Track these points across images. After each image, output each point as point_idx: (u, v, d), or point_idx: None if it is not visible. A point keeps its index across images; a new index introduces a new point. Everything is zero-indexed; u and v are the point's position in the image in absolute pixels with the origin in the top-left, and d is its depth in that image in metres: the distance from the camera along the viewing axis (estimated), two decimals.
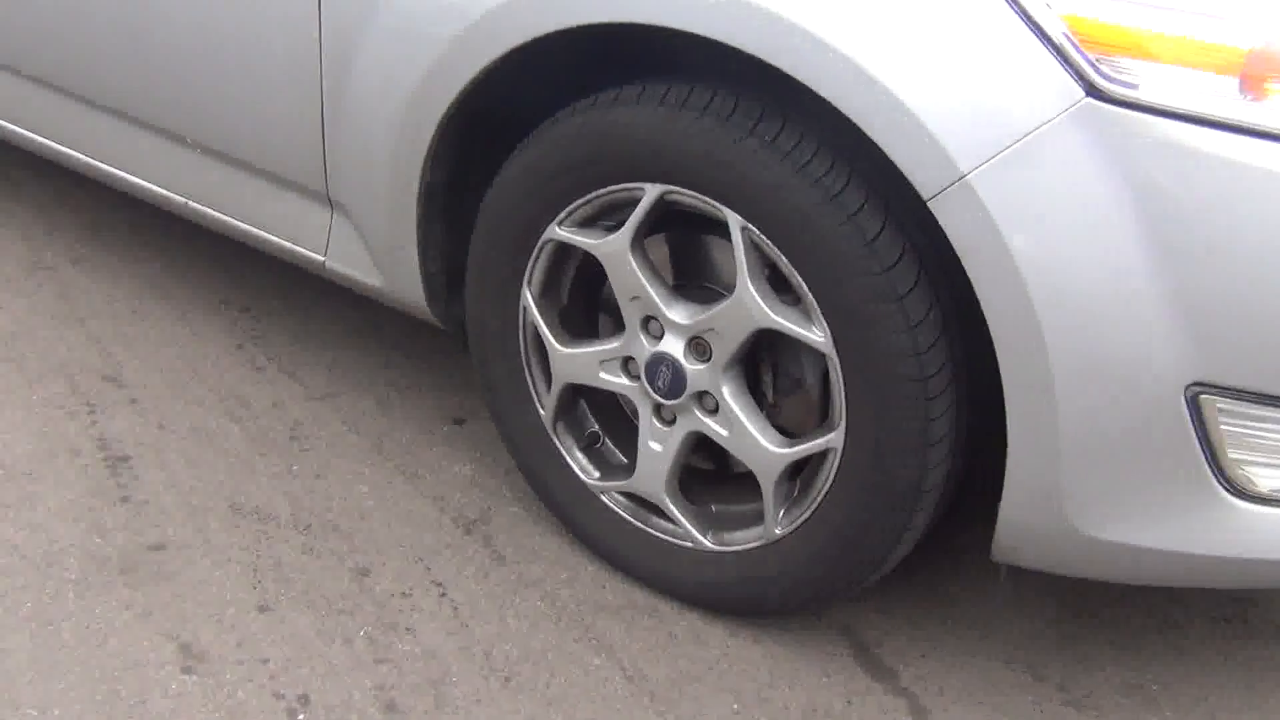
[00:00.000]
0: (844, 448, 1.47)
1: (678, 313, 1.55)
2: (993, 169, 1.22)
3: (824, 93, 1.29)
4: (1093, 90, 1.19)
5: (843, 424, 1.46)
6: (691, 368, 1.56)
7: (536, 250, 1.65)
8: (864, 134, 1.30)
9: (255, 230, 2.04)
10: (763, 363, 1.58)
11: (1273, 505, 1.31)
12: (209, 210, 2.10)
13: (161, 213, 2.33)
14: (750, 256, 1.46)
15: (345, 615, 1.66)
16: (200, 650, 1.58)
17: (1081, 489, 1.33)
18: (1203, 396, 1.25)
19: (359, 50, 1.69)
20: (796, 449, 1.51)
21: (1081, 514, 1.35)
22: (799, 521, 1.55)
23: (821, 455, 1.51)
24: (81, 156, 2.26)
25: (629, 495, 1.73)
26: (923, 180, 1.26)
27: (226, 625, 1.63)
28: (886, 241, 1.36)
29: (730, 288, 1.59)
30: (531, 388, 1.75)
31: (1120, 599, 1.77)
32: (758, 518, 1.63)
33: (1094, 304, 1.23)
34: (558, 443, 1.76)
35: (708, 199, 1.46)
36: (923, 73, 1.24)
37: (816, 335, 1.43)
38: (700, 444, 1.64)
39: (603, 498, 1.74)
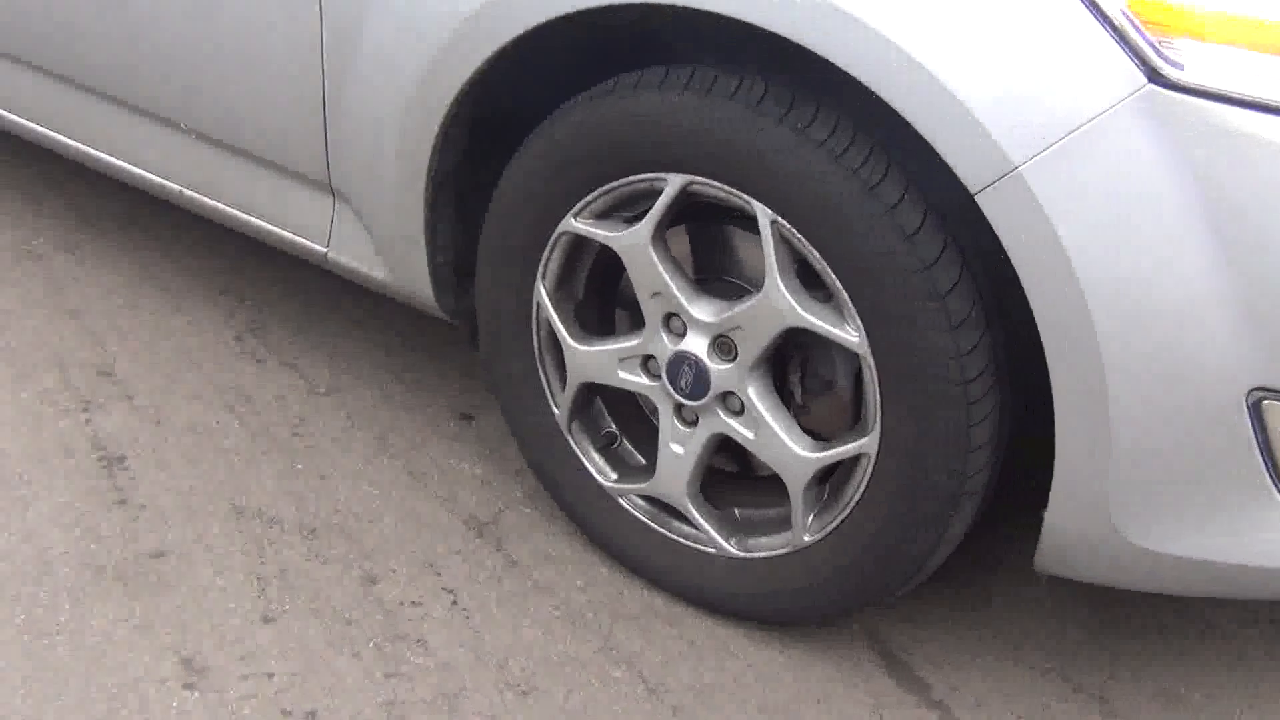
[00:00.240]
0: (878, 453, 1.39)
1: (701, 310, 1.48)
2: (1046, 161, 1.14)
3: (865, 79, 1.21)
4: (1155, 76, 1.12)
5: (877, 428, 1.38)
6: (716, 367, 1.49)
7: (551, 243, 1.57)
8: (904, 123, 1.23)
9: (253, 220, 1.96)
10: (791, 362, 1.51)
11: None
12: (205, 199, 2.01)
13: (156, 198, 2.25)
14: (780, 251, 1.38)
15: (353, 625, 1.59)
16: (202, 664, 1.51)
17: (1132, 498, 1.26)
18: (1266, 402, 1.18)
19: (364, 30, 1.61)
20: (827, 454, 1.44)
21: (1131, 524, 1.28)
22: (829, 529, 1.48)
23: (853, 460, 1.44)
24: (72, 143, 2.17)
25: (648, 498, 1.65)
26: (970, 173, 1.18)
27: (230, 637, 1.56)
28: (927, 236, 1.28)
29: (756, 283, 1.52)
30: (545, 386, 1.68)
31: (1158, 603, 1.70)
32: (784, 523, 1.56)
33: (1152, 304, 1.16)
34: (573, 443, 1.68)
35: (735, 191, 1.38)
36: (971, 58, 1.16)
37: (850, 335, 1.36)
38: (723, 445, 1.57)
39: (620, 500, 1.67)
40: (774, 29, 1.25)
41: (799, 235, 1.35)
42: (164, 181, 2.05)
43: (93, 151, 2.15)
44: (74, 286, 2.32)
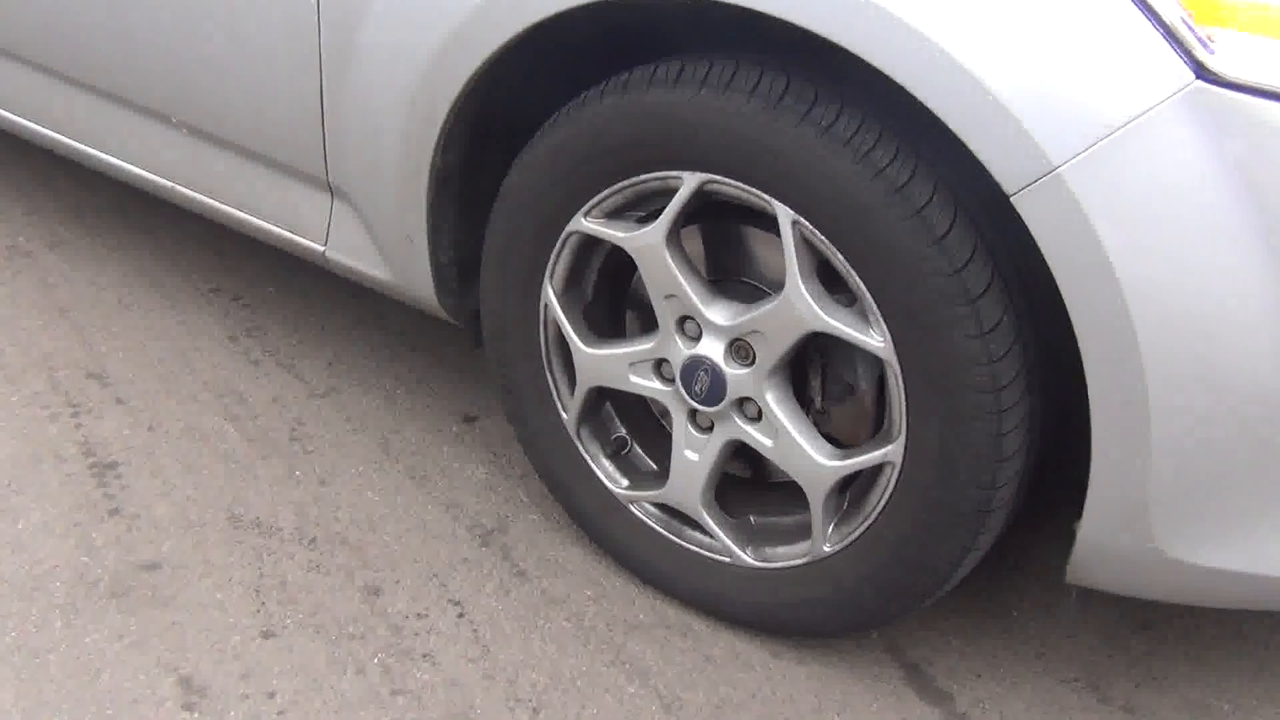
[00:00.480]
0: (904, 462, 1.34)
1: (717, 313, 1.42)
2: (1087, 161, 1.09)
3: (895, 75, 1.15)
4: (1203, 72, 1.06)
5: (902, 436, 1.33)
6: (732, 372, 1.43)
7: (560, 242, 1.52)
8: (932, 120, 1.17)
9: (248, 217, 1.89)
10: (811, 366, 1.45)
11: None
12: (198, 195, 1.95)
13: (146, 193, 2.18)
14: (801, 253, 1.32)
15: (357, 641, 1.53)
16: (201, 684, 1.46)
17: (1173, 510, 1.21)
18: None
19: (363, 21, 1.54)
20: (850, 462, 1.39)
21: (1171, 536, 1.23)
22: (850, 539, 1.43)
23: (876, 468, 1.38)
24: (60, 137, 2.11)
25: (661, 506, 1.60)
26: (1006, 173, 1.13)
27: (229, 654, 1.50)
28: (957, 238, 1.23)
29: (773, 284, 1.47)
30: (553, 390, 1.62)
31: (1182, 610, 1.66)
32: (802, 532, 1.51)
33: (1198, 308, 1.10)
34: (582, 449, 1.63)
35: (754, 190, 1.32)
36: (1009, 53, 1.10)
37: (875, 340, 1.30)
38: (738, 451, 1.52)
39: (631, 508, 1.62)
40: (799, 22, 1.19)
41: (821, 236, 1.29)
42: (155, 177, 1.99)
43: (81, 146, 2.08)
44: (63, 284, 2.26)
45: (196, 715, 1.42)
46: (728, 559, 1.55)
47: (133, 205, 2.54)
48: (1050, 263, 1.14)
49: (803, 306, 1.33)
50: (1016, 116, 1.10)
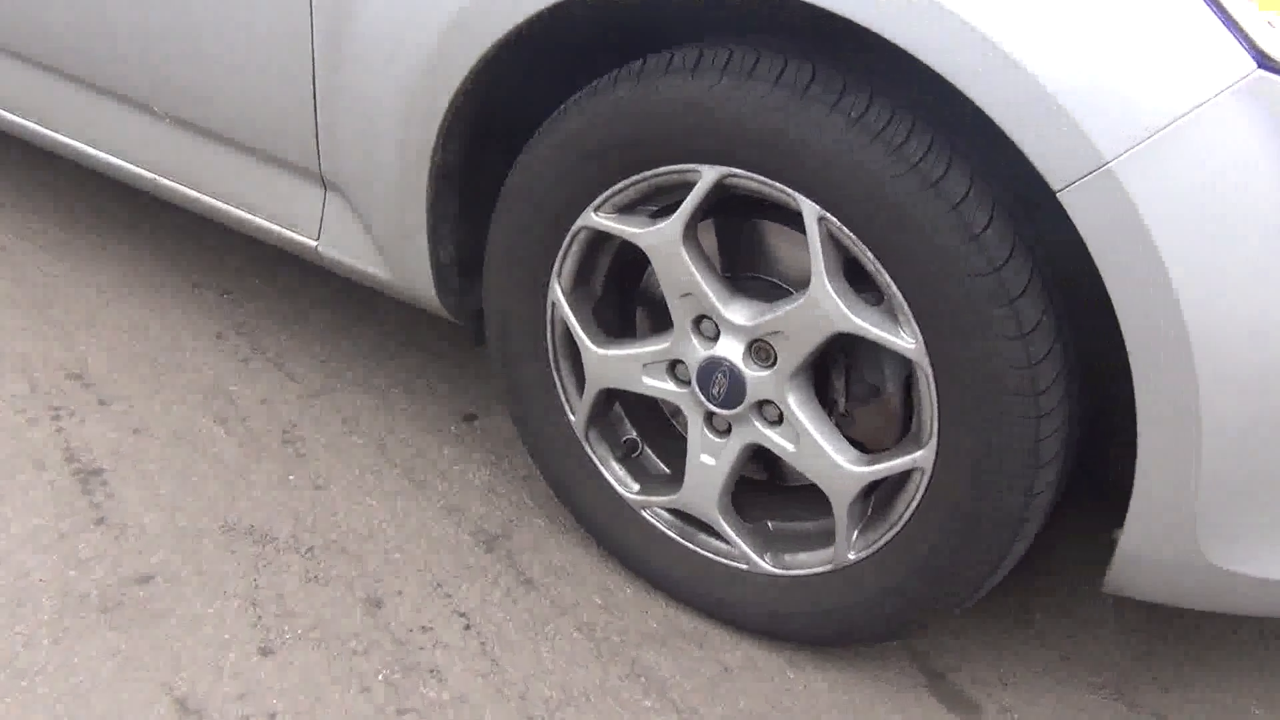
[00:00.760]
0: (935, 467, 1.29)
1: (737, 313, 1.36)
2: (1140, 155, 1.03)
3: (934, 64, 1.09)
4: (1266, 61, 1.00)
5: (933, 441, 1.28)
6: (752, 374, 1.37)
7: (569, 239, 1.45)
8: (968, 110, 1.11)
9: (235, 211, 1.81)
10: (834, 367, 1.39)
11: None
12: (181, 188, 1.86)
13: (124, 185, 2.10)
14: (827, 250, 1.26)
15: (360, 656, 1.47)
16: (198, 704, 1.39)
17: (1221, 520, 1.16)
18: None
19: (359, 7, 1.46)
20: (877, 468, 1.33)
21: (1218, 546, 1.18)
22: (876, 546, 1.37)
23: (904, 474, 1.33)
24: (35, 127, 2.02)
25: (674, 511, 1.54)
26: (1054, 168, 1.07)
27: (227, 672, 1.43)
28: (995, 235, 1.17)
29: (793, 282, 1.41)
30: (560, 392, 1.56)
31: (1209, 614, 1.61)
32: (823, 538, 1.45)
33: (1255, 312, 1.05)
34: (591, 453, 1.57)
35: (777, 184, 1.26)
36: (1056, 41, 1.04)
37: (905, 341, 1.25)
38: (754, 453, 1.46)
39: (643, 513, 1.56)
40: (829, 7, 1.13)
41: (849, 233, 1.23)
42: (136, 169, 1.90)
43: (58, 137, 1.99)
44: (39, 280, 2.17)
45: None
46: (744, 566, 1.49)
47: (109, 198, 2.45)
48: (1098, 262, 1.08)
49: (829, 306, 1.27)
50: (1066, 108, 1.04)
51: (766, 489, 1.55)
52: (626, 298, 1.56)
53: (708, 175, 1.30)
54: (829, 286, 1.27)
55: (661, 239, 1.36)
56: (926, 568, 1.34)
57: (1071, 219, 1.08)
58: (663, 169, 1.34)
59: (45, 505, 1.66)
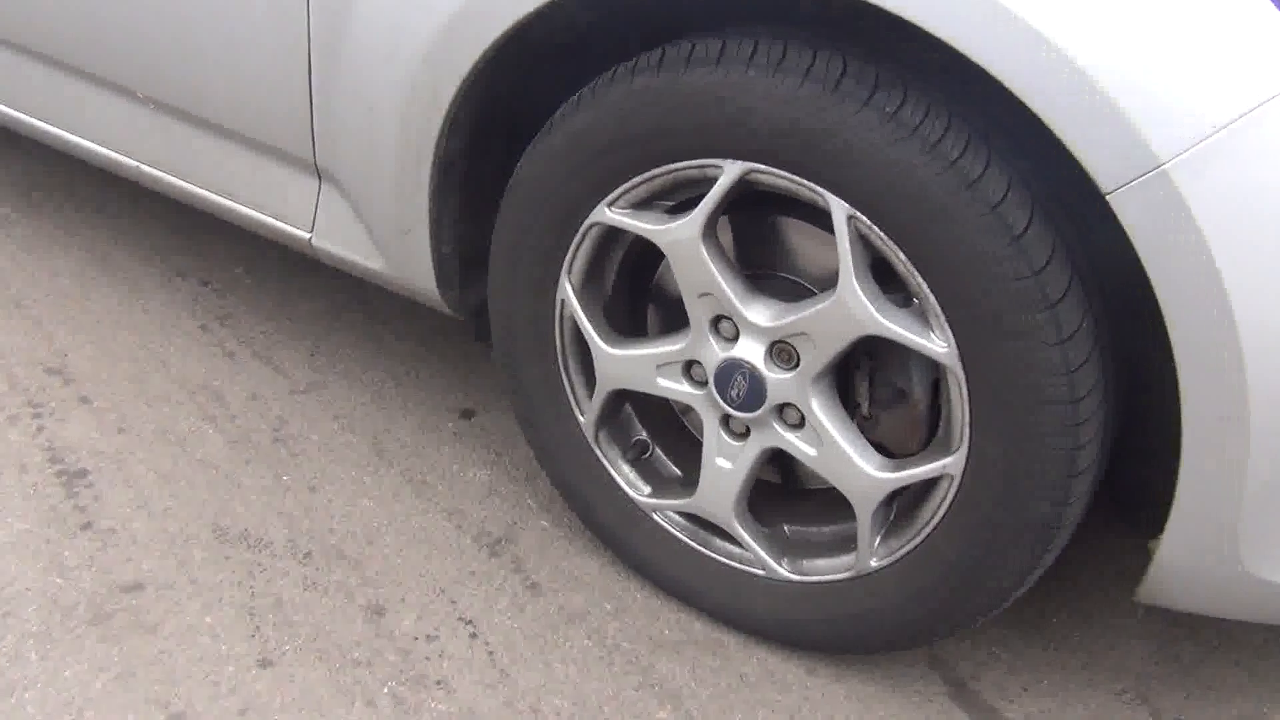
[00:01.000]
0: (964, 474, 1.24)
1: (758, 313, 1.31)
2: (1197, 157, 0.99)
3: (983, 61, 1.04)
4: None
5: (964, 447, 1.23)
6: (773, 376, 1.32)
7: (580, 234, 1.39)
8: (1007, 106, 1.06)
9: (224, 201, 1.74)
10: (858, 369, 1.35)
11: None
12: (166, 177, 1.79)
13: (98, 169, 2.01)
14: (856, 250, 1.21)
15: (363, 668, 1.41)
16: None
17: (1264, 531, 1.13)
18: None
19: None
20: (904, 474, 1.29)
21: (1260, 557, 1.15)
22: (900, 554, 1.33)
23: (931, 480, 1.29)
24: (10, 112, 1.93)
25: (686, 514, 1.50)
26: (1105, 170, 1.02)
27: (224, 687, 1.37)
28: (1035, 238, 1.12)
29: (814, 280, 1.36)
30: (569, 392, 1.50)
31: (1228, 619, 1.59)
32: (843, 544, 1.41)
33: None
34: (600, 455, 1.52)
35: (805, 181, 1.21)
36: (1113, 39, 0.99)
37: (937, 345, 1.20)
38: (770, 456, 1.41)
39: (655, 516, 1.51)
40: (875, 1, 1.07)
41: (880, 233, 1.18)
42: (118, 156, 1.82)
43: (34, 122, 1.90)
44: (13, 271, 2.09)
45: None
46: (761, 571, 1.45)
47: (83, 182, 2.36)
48: (1147, 266, 1.04)
49: (857, 308, 1.22)
50: (1121, 107, 0.99)
51: (782, 492, 1.51)
52: (637, 295, 1.50)
53: (730, 171, 1.25)
54: (858, 288, 1.22)
55: (680, 237, 1.31)
56: (953, 577, 1.30)
57: (1120, 222, 1.03)
58: (682, 164, 1.28)
59: (28, 509, 1.59)
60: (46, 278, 2.08)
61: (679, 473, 1.53)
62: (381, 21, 1.39)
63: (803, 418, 1.34)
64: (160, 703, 1.35)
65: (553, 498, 1.69)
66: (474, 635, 1.47)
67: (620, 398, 1.50)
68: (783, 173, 1.22)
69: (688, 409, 1.51)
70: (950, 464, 1.25)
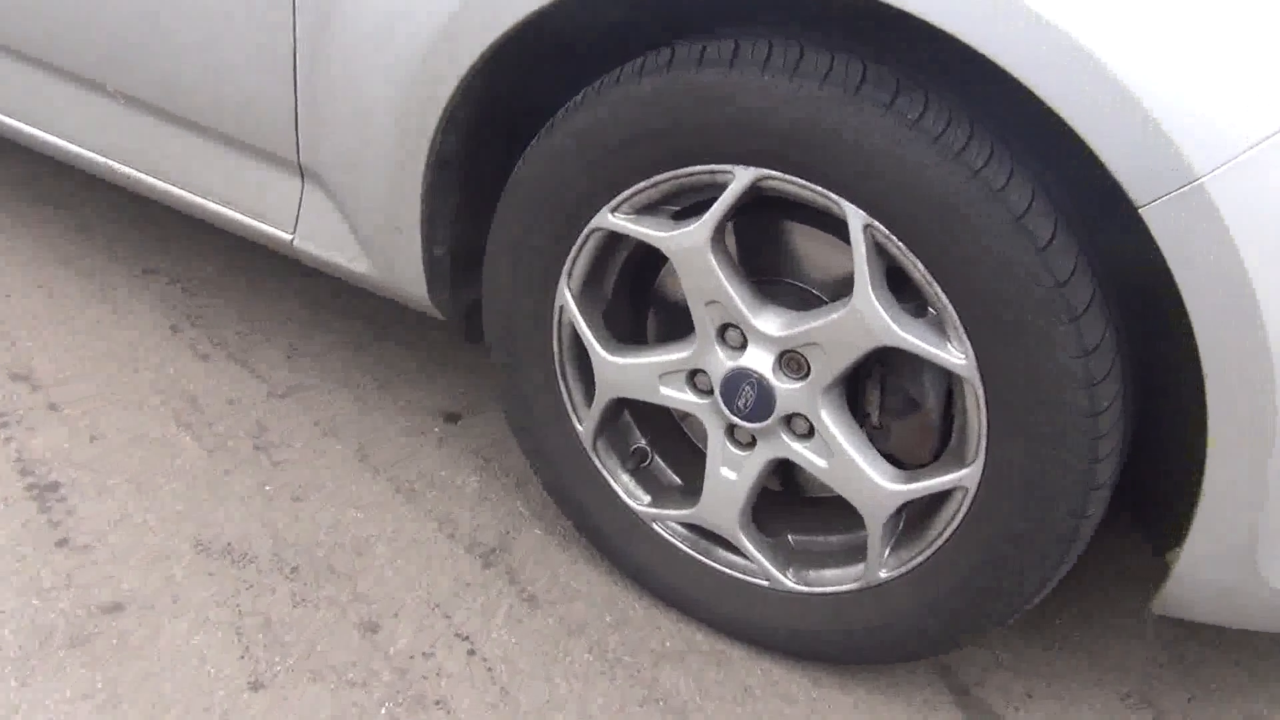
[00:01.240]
0: (980, 487, 1.22)
1: (768, 322, 1.28)
2: (1235, 170, 0.96)
3: (1015, 70, 1.01)
4: None
5: (980, 459, 1.21)
6: (783, 386, 1.29)
7: (581, 239, 1.35)
8: (1031, 114, 1.04)
9: (200, 200, 1.67)
10: (868, 378, 1.32)
11: None
12: (138, 175, 1.71)
13: (58, 162, 1.93)
14: (872, 260, 1.18)
15: (359, 688, 1.37)
16: None
17: None
18: None
19: None
20: (918, 485, 1.26)
21: (1277, 568, 1.14)
22: (911, 565, 1.31)
23: (943, 491, 1.26)
24: None
25: (687, 524, 1.46)
26: (1139, 182, 1.00)
27: (215, 712, 1.32)
28: (1060, 249, 1.10)
29: (822, 287, 1.33)
30: (567, 400, 1.46)
31: None
32: (850, 554, 1.39)
33: None
34: (599, 464, 1.48)
35: (820, 189, 1.17)
36: (1151, 50, 0.97)
37: (955, 357, 1.18)
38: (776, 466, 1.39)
39: (654, 526, 1.48)
40: (906, 7, 1.04)
41: (899, 242, 1.15)
42: (86, 153, 1.74)
43: None
44: None
45: None
46: (765, 582, 1.42)
47: (42, 175, 2.27)
48: (1179, 279, 1.02)
49: (873, 319, 1.19)
50: (1157, 119, 0.97)
51: (784, 500, 1.48)
52: (637, 300, 1.46)
53: (742, 177, 1.21)
54: (874, 298, 1.19)
55: (688, 244, 1.27)
56: (967, 588, 1.28)
57: (1152, 234, 1.01)
58: (691, 168, 1.24)
59: (0, 526, 1.53)
60: (6, 277, 1.99)
61: (679, 481, 1.50)
62: (376, 15, 1.33)
63: (811, 428, 1.31)
64: None
65: (545, 504, 1.65)
66: (472, 652, 1.43)
67: (619, 405, 1.46)
68: (797, 180, 1.18)
69: (686, 414, 1.48)
70: (966, 476, 1.23)
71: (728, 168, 1.22)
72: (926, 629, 1.33)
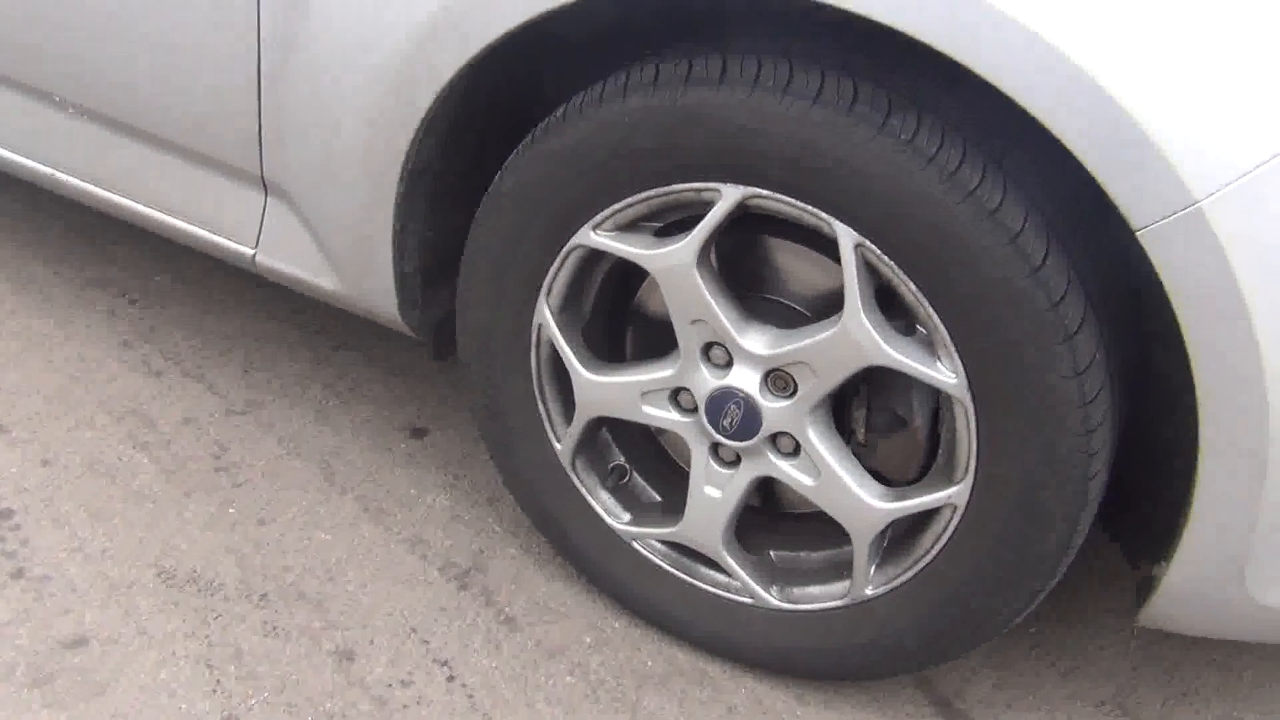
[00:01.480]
0: (969, 504, 1.22)
1: (754, 341, 1.26)
2: (1234, 194, 0.97)
3: (1012, 91, 1.00)
4: None
5: (969, 477, 1.21)
6: (769, 405, 1.28)
7: (562, 256, 1.32)
8: (1022, 134, 1.04)
9: (152, 213, 1.61)
10: (855, 396, 1.31)
11: None
12: (87, 186, 1.65)
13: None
14: (863, 279, 1.17)
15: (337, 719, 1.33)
16: None
17: (1270, 559, 1.13)
18: None
19: None
20: (906, 504, 1.26)
21: (1264, 583, 1.15)
22: (898, 581, 1.31)
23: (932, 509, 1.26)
24: None
25: (668, 542, 1.45)
26: (1137, 206, 1.00)
27: None
28: (1053, 269, 1.10)
29: (807, 303, 1.32)
30: (545, 418, 1.43)
31: None
32: (834, 570, 1.38)
33: None
34: (578, 482, 1.45)
35: (810, 208, 1.16)
36: (1151, 74, 0.97)
37: (945, 376, 1.17)
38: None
39: (634, 544, 1.46)
40: (898, 26, 1.02)
41: (890, 262, 1.14)
42: (31, 164, 1.67)
43: None
44: None
45: None
46: (748, 600, 1.41)
47: None
48: (1175, 305, 1.02)
49: (863, 338, 1.18)
50: (1156, 143, 0.97)
51: (764, 515, 1.47)
52: (615, 316, 1.44)
53: (730, 195, 1.19)
54: (864, 318, 1.18)
55: (673, 262, 1.25)
56: (954, 605, 1.28)
57: (1152, 259, 1.01)
58: (677, 186, 1.22)
59: None
60: None
61: (658, 498, 1.48)
62: (348, 22, 1.29)
63: (797, 446, 1.30)
64: None
65: (518, 522, 1.62)
66: (451, 678, 1.40)
67: (597, 422, 1.44)
68: (787, 199, 1.17)
69: (664, 430, 1.46)
70: (955, 493, 1.23)
71: (715, 185, 1.20)
72: (913, 646, 1.33)
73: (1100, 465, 1.17)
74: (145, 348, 1.86)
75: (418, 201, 1.40)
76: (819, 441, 1.28)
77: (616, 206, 1.26)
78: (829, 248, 1.21)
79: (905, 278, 1.15)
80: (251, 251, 1.55)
